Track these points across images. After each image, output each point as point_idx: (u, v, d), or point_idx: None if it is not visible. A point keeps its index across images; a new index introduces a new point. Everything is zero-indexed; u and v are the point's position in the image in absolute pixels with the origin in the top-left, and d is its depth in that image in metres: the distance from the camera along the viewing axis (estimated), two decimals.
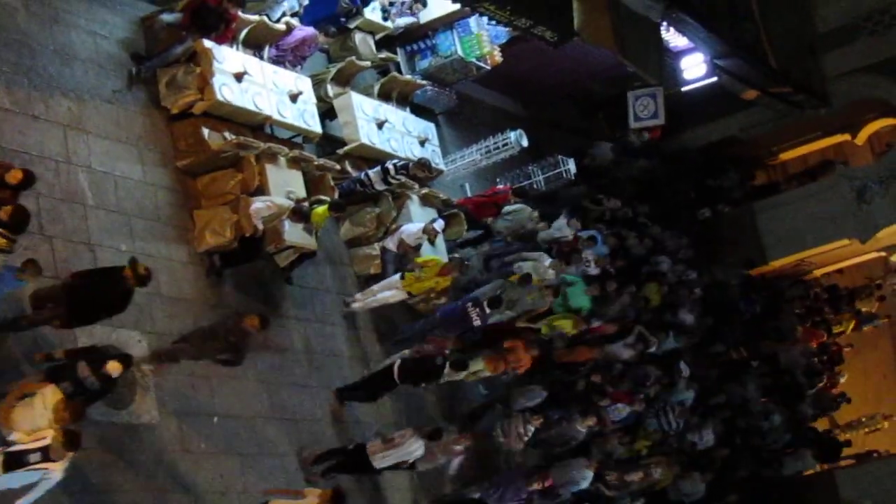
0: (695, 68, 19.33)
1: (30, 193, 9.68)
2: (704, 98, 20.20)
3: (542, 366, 14.98)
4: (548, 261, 15.18)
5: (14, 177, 8.65)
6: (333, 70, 14.24)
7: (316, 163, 13.05)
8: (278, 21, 13.13)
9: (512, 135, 16.21)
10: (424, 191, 14.71)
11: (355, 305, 13.36)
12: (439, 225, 13.95)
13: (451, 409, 14.57)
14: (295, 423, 12.03)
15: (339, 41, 14.64)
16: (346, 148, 14.08)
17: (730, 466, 18.78)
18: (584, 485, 14.62)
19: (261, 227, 11.59)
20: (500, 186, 16.52)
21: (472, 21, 16.11)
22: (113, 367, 8.69)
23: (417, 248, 13.76)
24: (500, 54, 16.60)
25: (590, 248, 16.05)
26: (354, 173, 13.92)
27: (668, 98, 19.16)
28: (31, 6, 10.72)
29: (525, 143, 16.30)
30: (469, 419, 14.64)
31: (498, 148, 16.22)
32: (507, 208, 15.75)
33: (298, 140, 13.28)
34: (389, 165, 13.64)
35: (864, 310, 25.69)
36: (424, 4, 15.69)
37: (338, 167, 13.57)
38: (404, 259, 13.75)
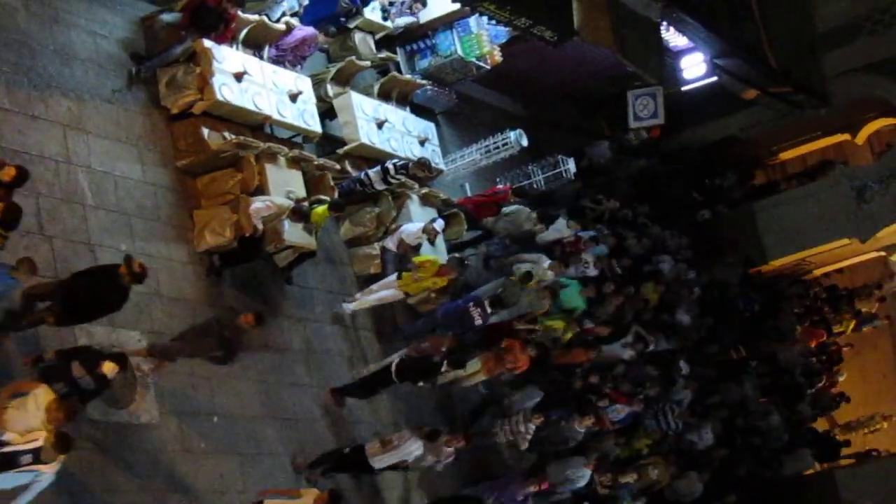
0: (694, 68, 19.33)
1: (30, 193, 9.73)
2: (704, 98, 20.21)
3: (540, 367, 14.98)
4: (546, 262, 15.18)
5: (7, 174, 8.64)
6: (333, 70, 14.24)
7: (316, 162, 13.06)
8: (278, 21, 13.13)
9: (512, 134, 16.21)
10: (424, 190, 14.70)
11: (347, 306, 13.32)
12: (439, 225, 13.94)
13: (450, 410, 14.57)
14: (295, 422, 12.04)
15: (338, 41, 14.64)
16: (345, 148, 14.08)
17: (729, 466, 18.79)
18: (582, 483, 14.64)
19: (260, 226, 11.60)
20: (500, 186, 16.51)
21: (472, 21, 16.11)
22: (108, 368, 8.66)
23: (417, 247, 13.76)
24: (499, 54, 16.60)
25: (590, 249, 16.05)
26: (354, 173, 13.92)
27: (667, 97, 19.14)
28: (31, 6, 10.72)
29: (525, 142, 16.30)
30: (469, 419, 14.66)
31: (498, 147, 16.23)
32: (505, 209, 15.75)
33: (298, 140, 13.28)
34: (389, 165, 13.63)
35: (863, 310, 25.70)
36: (424, 4, 15.70)
37: (337, 167, 13.57)
38: (404, 259, 13.74)
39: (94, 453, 9.53)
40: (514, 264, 15.12)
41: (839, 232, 21.80)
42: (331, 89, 14.14)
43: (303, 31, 13.35)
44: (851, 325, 25.30)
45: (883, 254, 24.39)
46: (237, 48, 12.59)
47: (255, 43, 12.92)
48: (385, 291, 13.34)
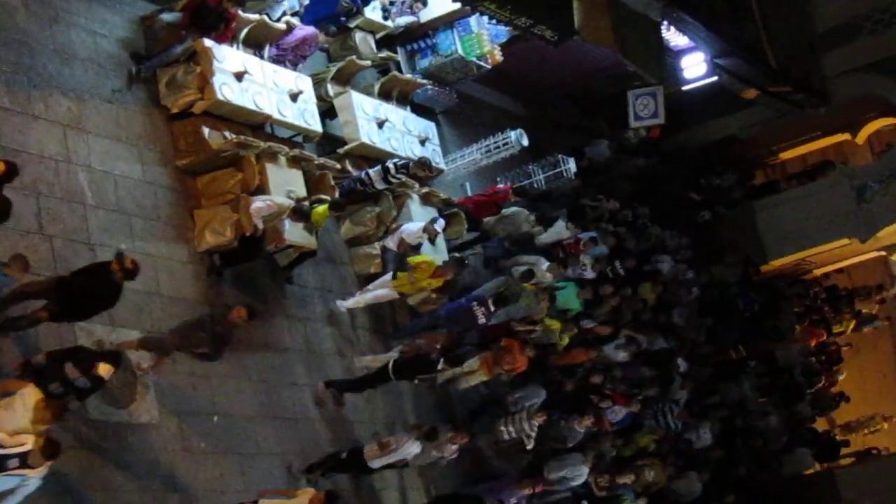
0: (695, 67, 19.27)
1: (30, 193, 9.73)
2: (704, 97, 20.19)
3: (539, 367, 14.98)
4: (545, 264, 15.17)
5: None
6: (334, 69, 14.23)
7: (316, 162, 13.05)
8: (278, 20, 13.12)
9: (512, 134, 16.20)
10: (425, 190, 14.69)
11: (341, 303, 13.27)
12: (440, 224, 13.94)
13: (449, 409, 14.56)
14: (294, 422, 12.03)
15: (339, 40, 14.64)
16: (346, 147, 14.07)
17: (728, 466, 18.78)
18: (580, 481, 14.63)
19: (261, 226, 11.59)
20: (501, 186, 16.51)
21: (473, 20, 16.12)
22: (104, 370, 8.60)
23: (418, 247, 13.75)
24: (500, 53, 16.60)
25: (590, 251, 16.04)
26: (355, 172, 13.91)
27: (668, 97, 19.14)
28: (31, 6, 10.71)
29: (525, 142, 16.30)
30: (469, 418, 14.65)
31: (498, 147, 16.23)
32: (504, 210, 15.74)
33: (299, 139, 13.27)
34: (390, 164, 13.63)
35: (863, 311, 25.69)
36: (425, 3, 15.70)
37: (338, 166, 13.56)
38: (405, 258, 13.74)
39: (94, 453, 9.52)
40: (512, 266, 15.12)
41: (839, 232, 21.81)
42: (331, 89, 14.14)
43: (303, 30, 13.35)
44: (851, 326, 25.29)
45: (883, 254, 24.40)
46: (238, 48, 12.58)
47: (256, 42, 12.92)
48: (380, 290, 13.31)
